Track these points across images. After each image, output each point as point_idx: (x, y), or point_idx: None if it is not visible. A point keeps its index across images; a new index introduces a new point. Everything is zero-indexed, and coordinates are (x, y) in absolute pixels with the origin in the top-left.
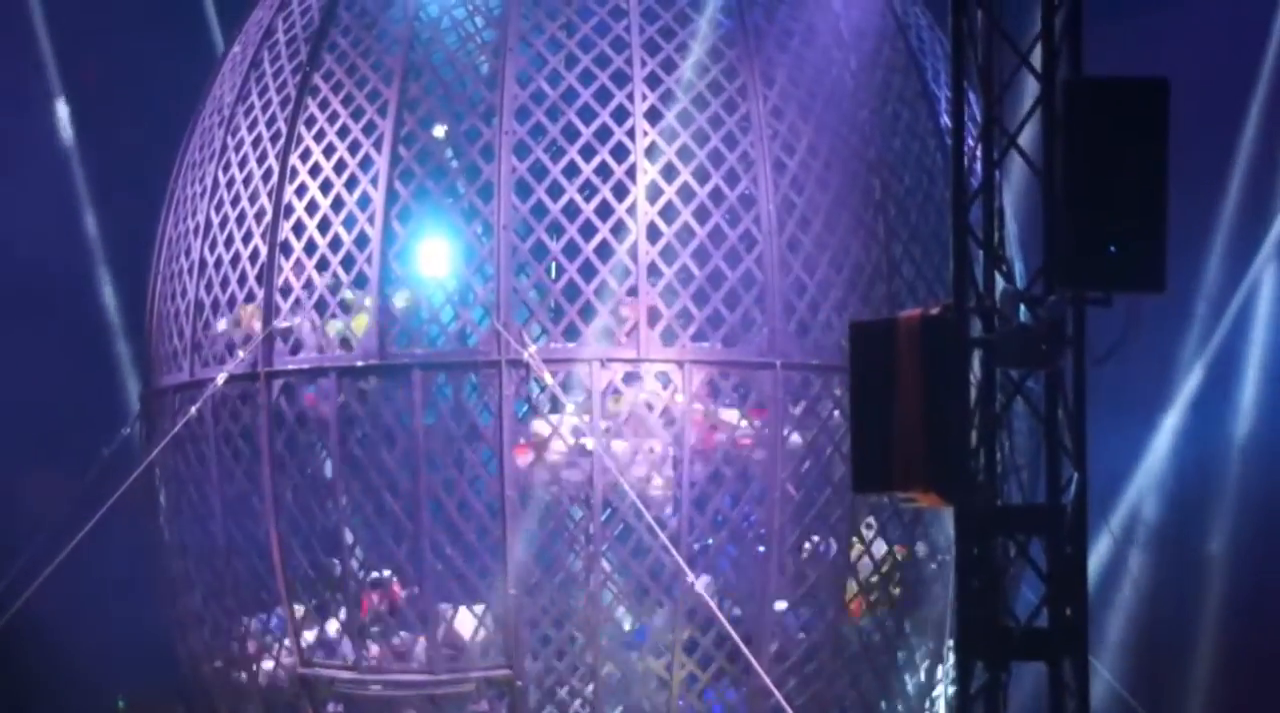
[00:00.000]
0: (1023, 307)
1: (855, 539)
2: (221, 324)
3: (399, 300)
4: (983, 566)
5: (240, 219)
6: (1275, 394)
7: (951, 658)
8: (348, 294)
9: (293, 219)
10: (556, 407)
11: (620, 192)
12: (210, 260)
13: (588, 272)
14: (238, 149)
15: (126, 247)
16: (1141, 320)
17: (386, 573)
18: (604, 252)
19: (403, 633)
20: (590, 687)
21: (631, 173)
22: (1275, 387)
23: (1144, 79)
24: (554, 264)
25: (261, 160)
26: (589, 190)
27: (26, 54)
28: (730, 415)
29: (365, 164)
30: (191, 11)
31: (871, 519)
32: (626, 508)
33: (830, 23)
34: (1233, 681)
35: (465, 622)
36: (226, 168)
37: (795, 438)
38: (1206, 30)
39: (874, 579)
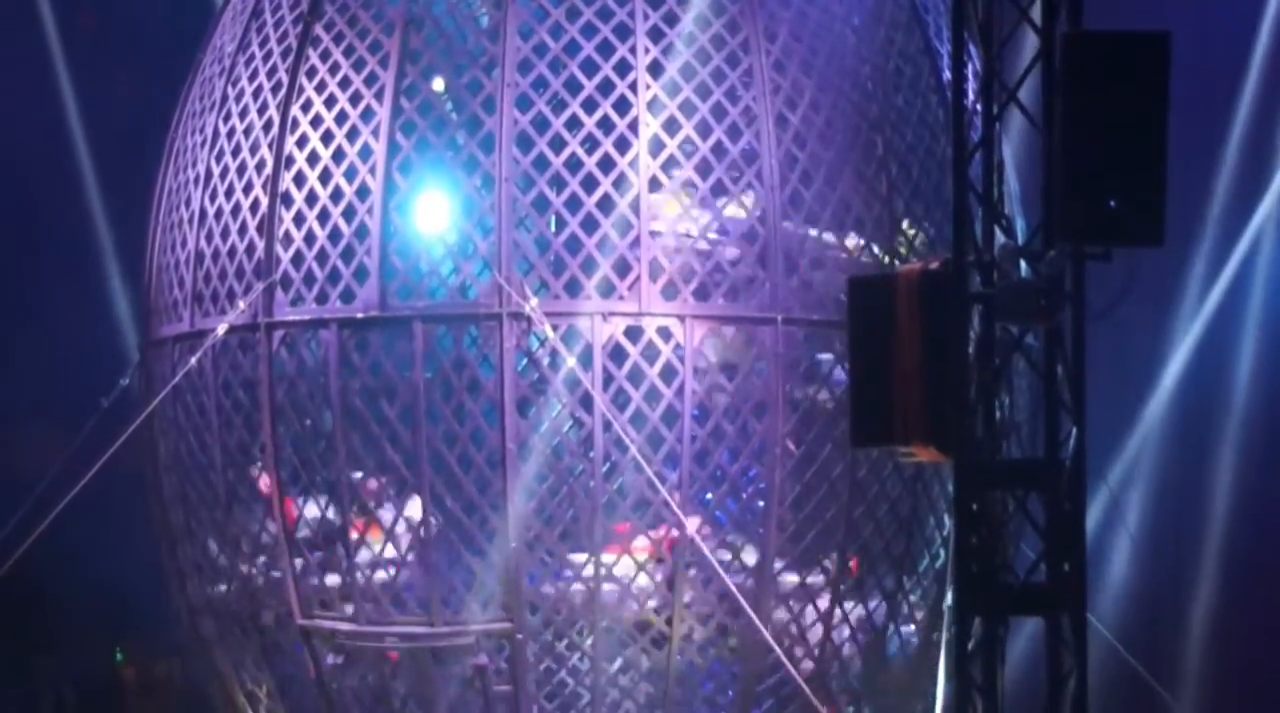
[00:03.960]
0: (1022, 262)
1: None
2: None
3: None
4: (981, 521)
5: (241, 170)
6: (1275, 347)
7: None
8: None
9: (294, 170)
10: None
11: (622, 145)
12: (211, 211)
13: (589, 225)
14: (238, 99)
15: (126, 196)
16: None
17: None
18: (606, 205)
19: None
20: (589, 641)
21: (634, 126)
22: (1275, 340)
23: (1144, 33)
24: (555, 217)
25: (262, 111)
26: (591, 144)
27: (24, 2)
28: None
29: (367, 115)
30: None
31: None
32: (627, 462)
33: None
34: (1230, 637)
35: None
36: (227, 118)
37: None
38: None
39: None
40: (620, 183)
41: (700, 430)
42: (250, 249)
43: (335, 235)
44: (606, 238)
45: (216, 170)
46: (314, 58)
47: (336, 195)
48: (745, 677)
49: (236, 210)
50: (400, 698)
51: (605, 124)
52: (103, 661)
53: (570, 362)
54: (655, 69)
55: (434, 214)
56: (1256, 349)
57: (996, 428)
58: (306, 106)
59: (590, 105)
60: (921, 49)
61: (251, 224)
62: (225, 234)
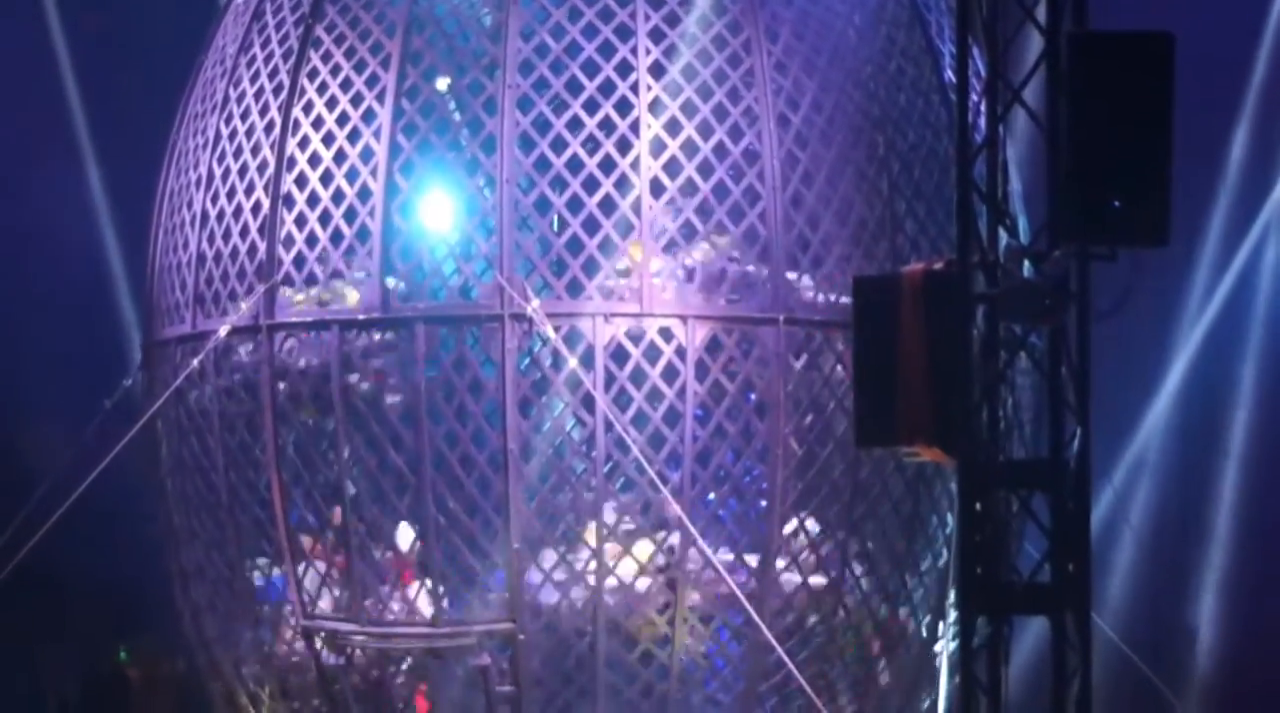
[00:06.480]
0: (1027, 262)
1: None
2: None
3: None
4: (985, 520)
5: (243, 171)
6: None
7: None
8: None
9: (295, 171)
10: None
11: (624, 146)
12: (212, 213)
13: (591, 226)
14: (240, 101)
15: (128, 198)
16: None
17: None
18: (607, 206)
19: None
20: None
21: (635, 127)
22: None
23: (1149, 33)
24: (557, 218)
25: (264, 112)
26: (592, 144)
27: (27, 2)
28: None
29: (368, 117)
30: None
31: None
32: (629, 462)
33: None
34: (1235, 636)
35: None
36: (229, 120)
37: None
38: None
39: None
40: (622, 184)
41: (702, 431)
42: (252, 251)
43: (337, 237)
44: (608, 239)
45: (218, 172)
46: (315, 59)
47: (338, 197)
48: (748, 676)
49: (238, 212)
50: (403, 699)
51: (607, 125)
52: (107, 659)
53: (572, 362)
54: (657, 70)
55: (436, 215)
56: (1261, 347)
57: (1000, 428)
58: (308, 108)
59: (592, 106)
60: (923, 48)
61: (253, 226)
62: (227, 235)
